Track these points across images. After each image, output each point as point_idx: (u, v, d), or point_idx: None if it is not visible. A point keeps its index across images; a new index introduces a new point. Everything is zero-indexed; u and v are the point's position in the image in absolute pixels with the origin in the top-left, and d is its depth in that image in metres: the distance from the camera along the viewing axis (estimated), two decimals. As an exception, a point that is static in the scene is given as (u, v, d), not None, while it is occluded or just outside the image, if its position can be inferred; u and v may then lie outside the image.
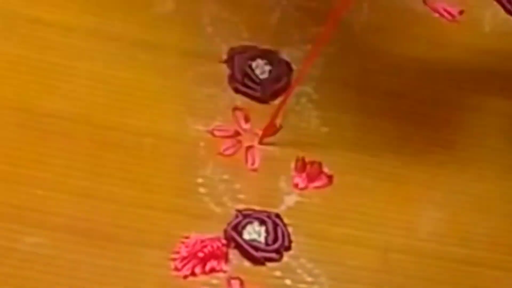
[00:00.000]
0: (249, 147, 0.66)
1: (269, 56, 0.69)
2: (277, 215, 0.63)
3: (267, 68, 0.69)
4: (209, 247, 0.60)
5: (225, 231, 0.61)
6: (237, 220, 0.62)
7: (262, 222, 0.62)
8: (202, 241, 0.61)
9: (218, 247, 0.61)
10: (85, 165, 0.62)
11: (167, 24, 0.70)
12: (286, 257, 0.62)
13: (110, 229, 0.60)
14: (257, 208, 0.63)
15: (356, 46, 0.72)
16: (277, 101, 0.67)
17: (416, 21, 0.74)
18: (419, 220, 0.65)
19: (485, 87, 0.72)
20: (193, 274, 0.60)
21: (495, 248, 0.65)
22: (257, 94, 0.68)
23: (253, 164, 0.65)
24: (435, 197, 0.66)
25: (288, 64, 0.69)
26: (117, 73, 0.67)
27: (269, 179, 0.65)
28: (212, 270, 0.60)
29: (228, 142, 0.65)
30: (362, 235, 0.63)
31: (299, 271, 0.61)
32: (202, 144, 0.65)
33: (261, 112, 0.66)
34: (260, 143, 0.66)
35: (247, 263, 0.61)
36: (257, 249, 0.61)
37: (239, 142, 0.66)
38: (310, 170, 0.65)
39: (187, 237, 0.61)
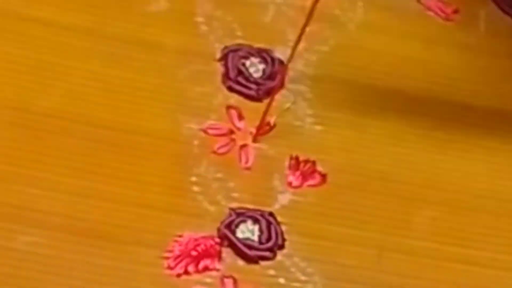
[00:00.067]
0: (243, 146, 0.65)
1: (263, 54, 0.69)
2: (271, 214, 0.63)
3: (261, 66, 0.69)
4: (202, 246, 0.60)
5: (219, 230, 0.61)
6: (231, 218, 0.62)
7: (256, 221, 0.62)
8: (196, 240, 0.60)
9: (211, 246, 0.61)
10: (78, 164, 0.62)
11: (161, 22, 0.70)
12: (279, 255, 0.61)
13: (103, 228, 0.60)
14: (250, 206, 0.63)
15: (351, 44, 0.72)
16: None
17: (411, 19, 0.74)
18: (414, 219, 0.65)
19: (480, 86, 0.72)
20: (186, 272, 0.59)
21: (491, 248, 0.64)
22: (251, 93, 0.68)
23: (246, 162, 0.65)
24: (430, 195, 0.66)
25: (282, 63, 0.69)
26: (112, 72, 0.67)
27: (263, 178, 0.64)
28: (206, 268, 0.60)
29: (222, 141, 0.65)
30: (357, 234, 0.63)
31: (292, 269, 0.61)
32: (195, 142, 0.65)
33: (255, 111, 0.66)
34: (254, 141, 0.66)
35: (240, 262, 0.61)
36: (250, 247, 0.61)
37: (233, 140, 0.66)
38: (304, 169, 0.65)
39: (180, 236, 0.60)
